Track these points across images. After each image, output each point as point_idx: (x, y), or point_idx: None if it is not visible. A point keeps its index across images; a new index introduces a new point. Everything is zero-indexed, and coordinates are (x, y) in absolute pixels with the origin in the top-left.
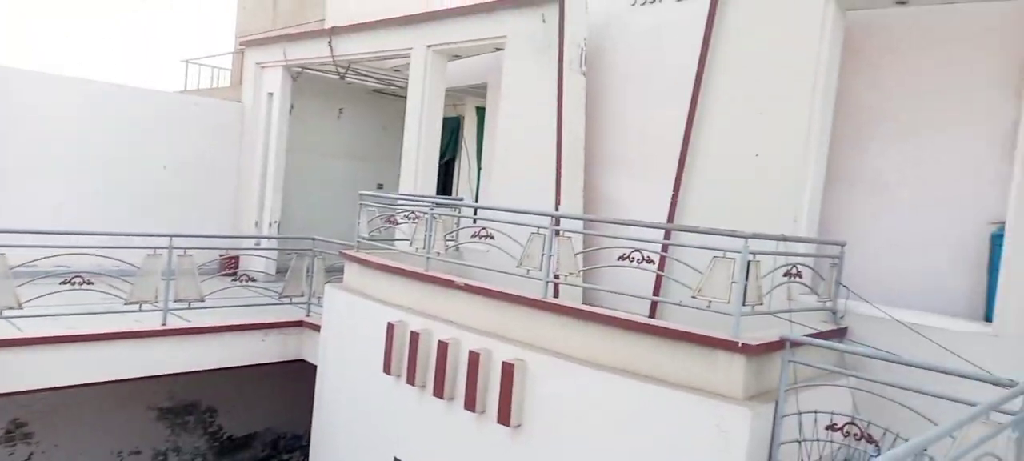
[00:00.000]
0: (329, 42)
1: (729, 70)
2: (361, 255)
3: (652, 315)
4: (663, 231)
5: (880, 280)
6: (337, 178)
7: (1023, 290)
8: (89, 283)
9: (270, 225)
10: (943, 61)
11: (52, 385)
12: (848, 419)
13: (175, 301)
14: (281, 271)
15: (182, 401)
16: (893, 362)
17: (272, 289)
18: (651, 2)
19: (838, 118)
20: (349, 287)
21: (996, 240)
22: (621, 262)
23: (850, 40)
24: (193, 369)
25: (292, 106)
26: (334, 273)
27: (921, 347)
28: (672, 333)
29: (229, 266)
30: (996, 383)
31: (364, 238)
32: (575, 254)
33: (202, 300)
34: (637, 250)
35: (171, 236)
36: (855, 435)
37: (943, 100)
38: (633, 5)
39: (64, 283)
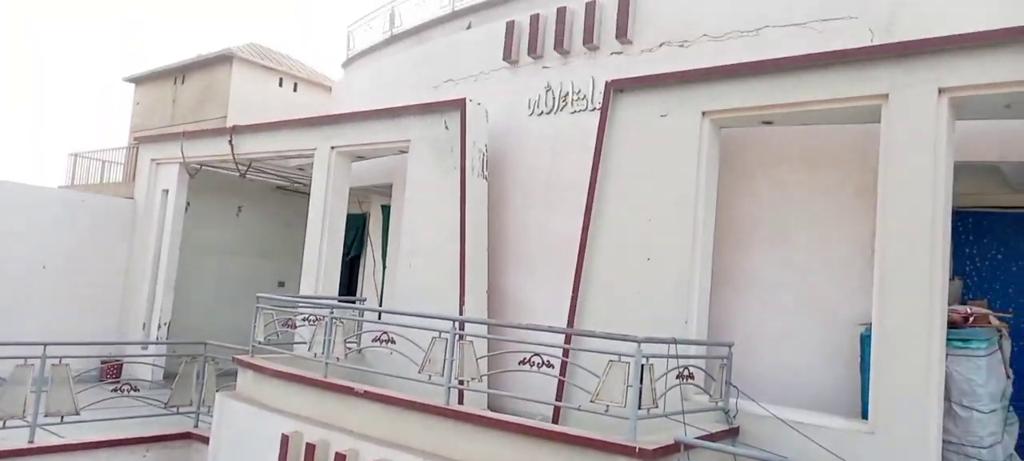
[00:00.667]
0: (230, 140)
1: (620, 179)
2: (256, 361)
3: (555, 420)
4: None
5: (767, 378)
6: (235, 276)
7: (892, 388)
8: None
9: (160, 326)
10: (809, 174)
11: None
12: None
13: (46, 415)
14: (170, 377)
15: None
16: None
17: (158, 398)
18: (548, 113)
19: (721, 225)
20: (242, 395)
21: (865, 340)
22: (521, 367)
23: (727, 154)
24: None
25: (188, 203)
26: (229, 377)
27: (807, 447)
28: (572, 439)
29: (111, 373)
30: None
31: (260, 342)
32: (478, 359)
33: (77, 413)
34: (537, 354)
35: (45, 344)
36: None
37: (811, 209)
38: (531, 115)
39: None
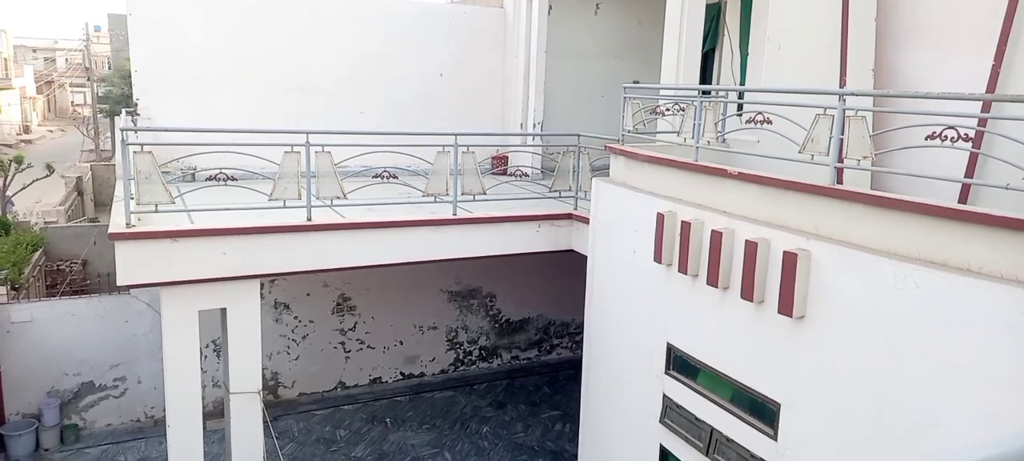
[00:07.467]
0: None
1: None
2: (627, 148)
3: (963, 201)
4: (979, 105)
5: None
6: (593, 78)
7: None
8: (393, 177)
9: (534, 125)
10: None
11: (367, 263)
12: None
13: (463, 194)
14: (547, 170)
15: (467, 286)
16: None
17: (541, 185)
18: None
19: None
20: (615, 180)
21: None
22: (929, 142)
23: None
24: (480, 255)
25: (550, 7)
26: (596, 172)
27: None
28: (991, 219)
29: (499, 165)
30: None
31: (629, 131)
32: (871, 136)
33: (484, 193)
34: (951, 127)
35: (456, 135)
36: None
37: None
38: None
39: (376, 177)
